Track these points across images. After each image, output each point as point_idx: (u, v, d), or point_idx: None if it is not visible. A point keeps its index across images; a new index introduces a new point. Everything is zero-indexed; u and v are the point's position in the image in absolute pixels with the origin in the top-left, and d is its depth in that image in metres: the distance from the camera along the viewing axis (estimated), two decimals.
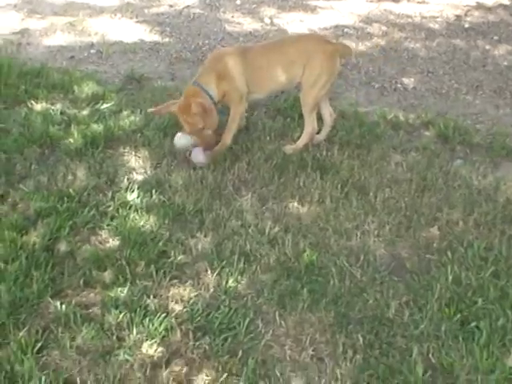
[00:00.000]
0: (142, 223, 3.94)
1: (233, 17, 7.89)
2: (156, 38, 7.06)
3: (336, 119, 5.21)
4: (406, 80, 6.63)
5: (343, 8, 8.48)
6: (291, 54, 4.82)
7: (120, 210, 4.02)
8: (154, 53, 6.70)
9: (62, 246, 3.71)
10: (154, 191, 4.26)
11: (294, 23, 7.82)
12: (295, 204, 4.33)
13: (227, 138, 4.83)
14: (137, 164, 4.62)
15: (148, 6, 8.00)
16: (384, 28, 7.94)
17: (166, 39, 7.04)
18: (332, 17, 8.15)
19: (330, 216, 4.22)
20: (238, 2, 8.33)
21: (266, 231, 4.01)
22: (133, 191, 4.26)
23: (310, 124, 4.92)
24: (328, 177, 4.63)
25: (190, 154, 4.66)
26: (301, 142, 4.96)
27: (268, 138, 5.10)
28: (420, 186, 4.64)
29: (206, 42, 7.10)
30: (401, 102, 6.15)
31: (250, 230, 3.99)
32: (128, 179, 4.42)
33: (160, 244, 3.76)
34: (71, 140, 4.73)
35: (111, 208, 4.06)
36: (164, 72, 6.28)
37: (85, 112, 5.20)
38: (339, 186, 4.53)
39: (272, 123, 5.31)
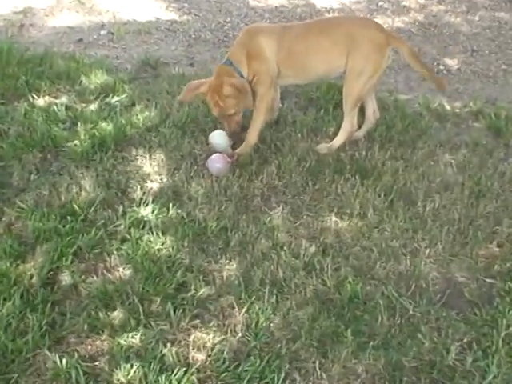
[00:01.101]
0: (157, 247, 3.39)
1: None
2: (173, 15, 6.43)
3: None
4: (448, 61, 5.99)
5: None
6: (333, 38, 4.17)
7: (132, 231, 3.47)
8: (171, 33, 6.09)
9: (64, 279, 3.18)
10: (171, 205, 3.70)
11: None
12: (333, 217, 3.76)
13: (253, 136, 4.24)
14: (152, 170, 4.06)
15: None
16: (421, 0, 7.23)
17: (184, 17, 6.42)
18: None
19: (373, 232, 3.65)
20: None
21: (301, 253, 3.45)
22: (147, 205, 3.71)
23: (349, 121, 4.31)
24: (369, 182, 4.04)
25: (207, 162, 4.07)
26: (337, 141, 4.36)
27: (299, 134, 4.51)
28: (474, 192, 4.06)
29: (228, 19, 6.47)
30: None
31: (282, 253, 3.43)
32: (142, 189, 3.87)
33: (178, 274, 3.21)
34: (77, 142, 4.18)
35: (122, 227, 3.52)
36: (182, 56, 5.68)
37: (93, 106, 4.64)
38: (382, 193, 3.95)
39: (303, 116, 4.72)
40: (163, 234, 3.51)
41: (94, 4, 6.45)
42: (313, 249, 3.52)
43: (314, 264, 3.38)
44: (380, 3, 7.10)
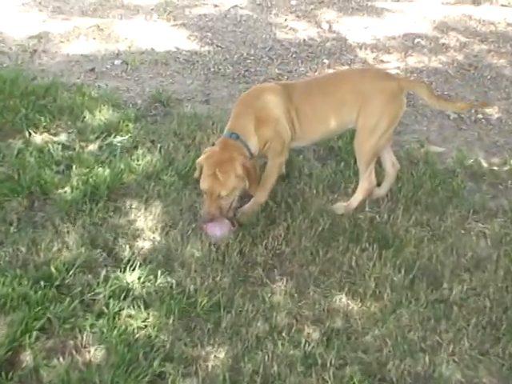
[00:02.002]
0: (137, 324, 2.97)
1: (286, 20, 6.82)
2: (194, 46, 6.05)
3: (400, 169, 4.12)
4: (488, 109, 5.45)
5: (415, 12, 7.31)
6: (342, 93, 3.77)
7: (111, 302, 3.05)
8: (189, 65, 5.70)
9: (26, 360, 2.77)
10: (159, 272, 3.27)
11: (357, 30, 6.72)
12: (343, 297, 3.29)
13: (262, 196, 3.80)
14: (145, 225, 3.65)
15: (190, 4, 7.01)
16: (462, 38, 6.75)
17: (206, 48, 6.03)
18: (401, 22, 7.00)
19: (388, 319, 3.17)
20: (294, 2, 7.25)
21: (302, 341, 2.99)
22: (134, 269, 3.29)
23: (366, 178, 3.85)
24: (389, 254, 3.57)
25: (206, 226, 3.62)
26: (355, 201, 3.91)
27: (314, 190, 4.06)
28: (510, 272, 3.54)
29: (252, 51, 6.07)
30: (482, 138, 5.02)
31: (279, 342, 2.97)
32: (131, 248, 3.46)
33: (155, 363, 2.78)
34: (68, 189, 3.80)
35: (101, 296, 3.11)
36: (197, 91, 5.28)
37: (92, 147, 4.26)
38: (403, 269, 3.47)
39: (321, 169, 4.27)
40: (146, 307, 3.09)
41: (113, 31, 6.11)
42: (316, 335, 3.07)
43: (315, 357, 2.93)
44: (417, 40, 6.62)
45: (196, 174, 3.65)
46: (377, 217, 3.90)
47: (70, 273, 3.22)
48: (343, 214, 3.88)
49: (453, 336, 3.12)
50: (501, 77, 6.05)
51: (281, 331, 3.05)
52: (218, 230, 3.55)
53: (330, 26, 6.75)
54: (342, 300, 3.28)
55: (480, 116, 5.32)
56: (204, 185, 3.51)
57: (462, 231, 3.89)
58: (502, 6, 7.83)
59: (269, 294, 3.26)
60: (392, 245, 3.65)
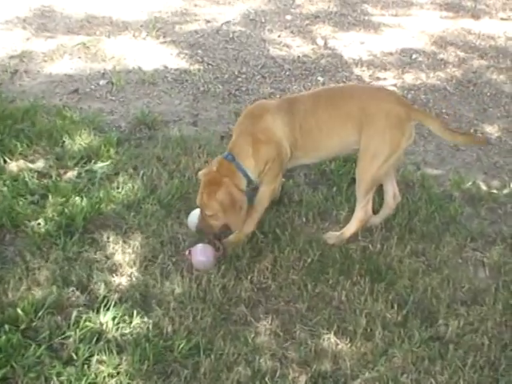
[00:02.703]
0: (108, 371, 2.76)
1: (279, 36, 6.63)
2: (183, 64, 5.86)
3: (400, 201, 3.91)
4: (487, 127, 5.27)
5: (413, 26, 7.11)
6: (348, 108, 3.54)
7: (82, 348, 2.84)
8: (178, 85, 5.50)
9: None
10: (135, 312, 3.06)
11: (353, 46, 6.52)
12: (332, 336, 3.08)
13: (250, 226, 3.59)
14: (123, 260, 3.44)
15: (181, 21, 6.81)
16: (461, 53, 6.55)
17: (195, 66, 5.83)
18: (399, 37, 6.80)
19: (380, 361, 2.96)
20: (288, 18, 7.06)
21: None
22: (108, 309, 3.08)
23: (362, 208, 3.64)
24: (381, 288, 3.36)
25: (189, 252, 3.43)
26: (348, 231, 3.69)
27: (304, 218, 3.86)
28: (509, 306, 3.32)
29: (244, 69, 5.87)
30: (481, 159, 4.82)
31: None
32: (106, 286, 3.25)
33: None
34: (41, 221, 3.59)
35: (71, 340, 2.90)
36: (185, 112, 5.08)
37: (70, 174, 4.06)
38: (396, 304, 3.25)
39: (312, 195, 4.06)
40: (119, 352, 2.87)
41: (100, 49, 5.92)
42: (302, 379, 2.84)
43: None
44: (414, 56, 6.42)
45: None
46: (370, 246, 3.70)
47: (39, 314, 3.01)
48: (334, 244, 3.67)
49: (448, 377, 2.91)
50: (500, 93, 5.84)
51: (264, 376, 2.84)
52: (203, 256, 3.38)
53: (326, 42, 6.55)
54: (330, 339, 3.06)
55: (479, 134, 5.10)
56: (198, 201, 3.45)
57: (459, 260, 3.70)
58: (502, 19, 7.64)
59: (252, 335, 3.05)
60: (385, 277, 3.44)
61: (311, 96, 3.73)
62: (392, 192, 3.83)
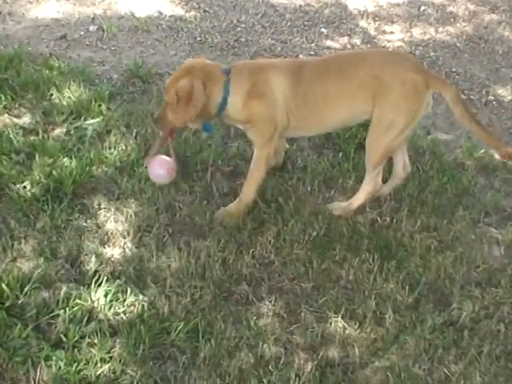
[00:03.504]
0: (100, 356, 2.55)
1: None
2: (178, 10, 5.48)
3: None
4: (500, 89, 4.99)
5: None
6: (359, 78, 3.22)
7: (71, 328, 2.62)
8: (173, 33, 5.15)
9: None
10: (129, 289, 2.84)
11: None
12: (339, 320, 2.87)
13: (248, 194, 3.34)
14: (115, 229, 3.20)
15: None
16: (471, 7, 6.21)
17: (192, 13, 5.46)
18: None
19: (390, 349, 2.76)
20: None
21: (292, 377, 2.58)
22: (100, 285, 2.85)
23: (371, 180, 3.39)
24: (391, 266, 3.15)
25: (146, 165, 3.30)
26: (355, 202, 3.46)
27: (309, 187, 3.61)
28: None
29: (243, 18, 5.51)
30: (493, 124, 4.56)
31: (265, 379, 2.56)
32: (97, 258, 3.01)
33: None
34: (27, 184, 3.32)
35: (59, 320, 2.67)
36: (181, 63, 4.68)
37: (59, 131, 3.77)
38: (407, 285, 3.05)
39: (316, 161, 3.81)
40: (112, 334, 2.66)
41: None
42: (308, 367, 2.65)
43: None
44: (423, 7, 6.08)
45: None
46: (378, 219, 3.47)
47: (25, 289, 2.77)
48: (341, 215, 3.44)
49: (463, 368, 2.74)
50: None
51: (267, 363, 2.65)
52: (162, 169, 3.28)
53: None
54: (337, 323, 2.87)
55: (491, 98, 4.84)
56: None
57: (473, 237, 3.49)
58: None
59: (254, 317, 2.84)
60: (395, 255, 3.23)
61: (321, 62, 3.42)
62: (402, 161, 3.58)
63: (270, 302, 2.94)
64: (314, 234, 3.29)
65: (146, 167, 3.35)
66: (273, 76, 3.20)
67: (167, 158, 3.29)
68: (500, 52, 5.49)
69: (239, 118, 3.22)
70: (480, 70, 5.19)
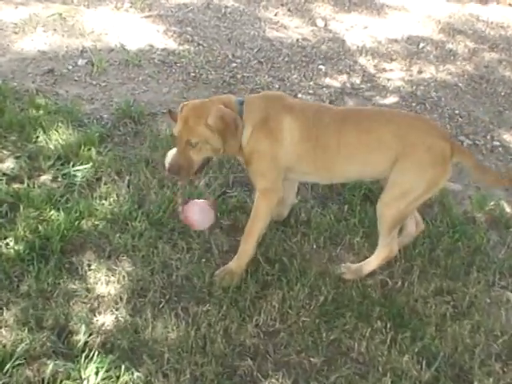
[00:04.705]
0: None
1: (276, 15, 6.08)
2: (171, 43, 5.27)
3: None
4: (505, 133, 4.84)
5: (418, 9, 6.64)
6: (380, 133, 3.01)
7: None
8: (166, 68, 4.92)
9: None
10: (123, 366, 2.56)
11: (355, 30, 6.03)
12: None
13: (247, 249, 3.09)
14: (107, 292, 2.93)
15: None
16: (470, 44, 6.10)
17: (185, 46, 5.25)
18: (404, 22, 6.32)
19: None
20: None
21: None
22: (90, 360, 2.57)
23: (385, 246, 3.16)
24: (406, 337, 2.91)
25: (181, 210, 3.06)
26: (368, 267, 3.24)
27: (314, 244, 3.38)
28: None
29: (238, 53, 5.31)
30: (500, 171, 4.35)
31: None
32: (87, 328, 2.73)
33: None
34: (10, 241, 3.04)
35: None
36: (175, 102, 4.50)
37: (45, 178, 3.51)
38: (424, 359, 2.81)
39: (321, 214, 3.58)
40: None
41: (78, 21, 5.28)
42: None
43: None
44: (421, 44, 5.94)
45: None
46: (389, 281, 3.24)
47: (7, 367, 2.48)
48: (350, 279, 3.20)
49: None
50: None
51: None
52: (204, 213, 3.06)
53: (326, 24, 6.03)
54: None
55: (497, 143, 4.67)
56: (176, 129, 2.94)
57: (488, 300, 3.26)
58: (510, 5, 7.21)
59: None
60: (409, 323, 2.99)
61: (340, 110, 3.22)
62: (414, 218, 3.37)
63: (277, 379, 2.68)
64: (322, 298, 3.05)
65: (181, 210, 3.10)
66: (285, 115, 2.98)
67: (198, 201, 3.12)
68: (502, 93, 5.36)
69: (243, 152, 3.01)
70: (483, 113, 5.03)
